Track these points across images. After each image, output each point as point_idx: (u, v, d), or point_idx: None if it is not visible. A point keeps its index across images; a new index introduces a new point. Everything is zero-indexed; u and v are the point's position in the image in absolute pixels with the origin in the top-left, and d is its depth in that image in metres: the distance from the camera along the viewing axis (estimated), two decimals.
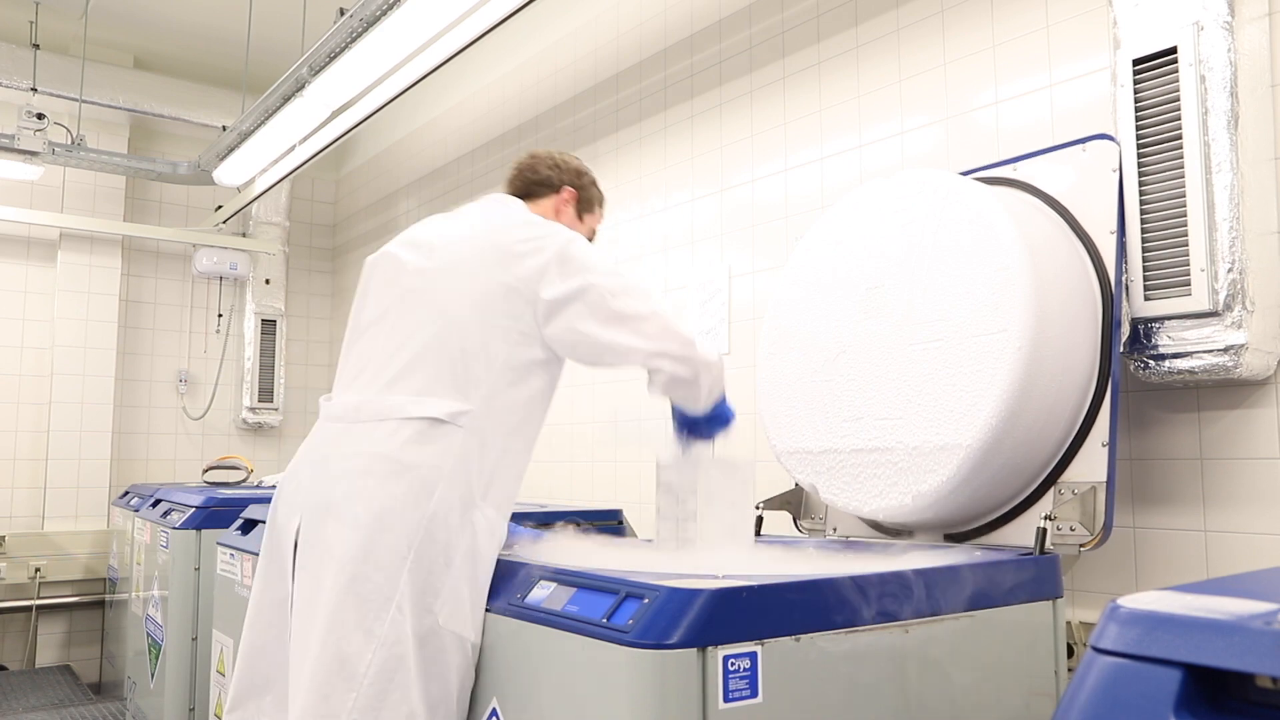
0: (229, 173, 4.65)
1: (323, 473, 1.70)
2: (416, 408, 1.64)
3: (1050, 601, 1.72)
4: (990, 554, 1.77)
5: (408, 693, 1.54)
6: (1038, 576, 1.71)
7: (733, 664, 1.28)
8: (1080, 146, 1.98)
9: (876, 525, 2.14)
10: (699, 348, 1.82)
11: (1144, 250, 1.88)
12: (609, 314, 1.71)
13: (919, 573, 1.53)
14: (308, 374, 6.08)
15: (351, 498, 1.62)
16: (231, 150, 4.42)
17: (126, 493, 4.59)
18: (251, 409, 5.73)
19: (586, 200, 2.11)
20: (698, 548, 1.87)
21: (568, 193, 2.06)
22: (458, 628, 1.57)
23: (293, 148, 4.19)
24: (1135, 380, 1.96)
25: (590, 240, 2.13)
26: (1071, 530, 1.83)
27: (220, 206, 5.44)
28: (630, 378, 3.46)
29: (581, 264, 1.73)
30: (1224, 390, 1.92)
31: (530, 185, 2.06)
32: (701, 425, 1.94)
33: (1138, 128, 1.89)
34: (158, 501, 3.70)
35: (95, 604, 5.16)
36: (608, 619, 1.33)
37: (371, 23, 3.04)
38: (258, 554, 2.40)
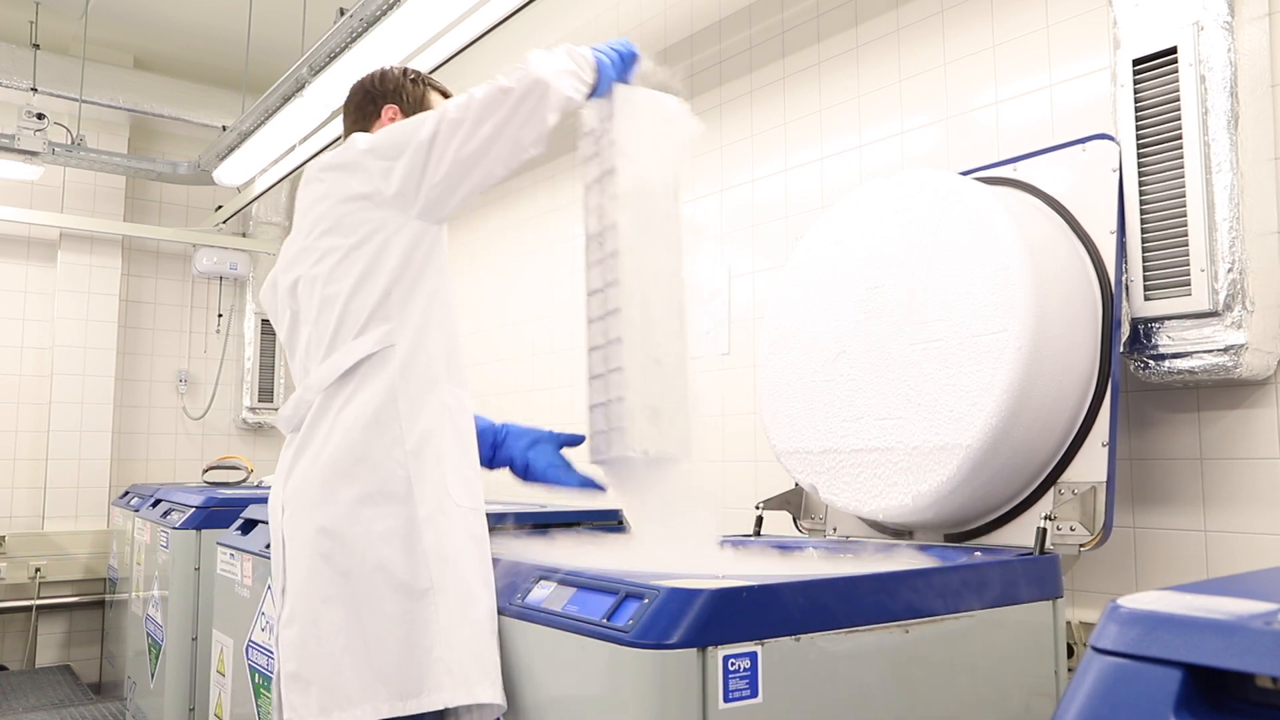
0: (229, 173, 4.65)
1: (297, 461, 1.70)
2: (349, 357, 1.65)
3: (1050, 601, 1.72)
4: (990, 554, 1.77)
5: (471, 583, 1.59)
6: (1038, 576, 1.71)
7: (733, 664, 1.28)
8: (1080, 146, 1.98)
9: (876, 525, 2.14)
10: (517, 78, 1.65)
11: (1144, 250, 1.88)
12: (452, 149, 1.62)
13: (919, 573, 1.53)
14: None
15: (334, 458, 1.62)
16: (231, 150, 4.42)
17: (126, 493, 4.59)
18: (251, 409, 5.73)
19: (414, 104, 1.94)
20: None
21: (389, 111, 1.92)
22: (472, 502, 1.65)
23: (293, 148, 4.19)
24: (1135, 380, 1.96)
25: None
26: (1071, 530, 1.83)
27: (220, 206, 5.45)
28: None
29: (391, 142, 1.66)
30: (1224, 390, 1.92)
31: (354, 125, 1.95)
32: (609, 84, 1.83)
33: (1138, 128, 1.89)
34: (158, 501, 3.70)
35: (95, 604, 5.16)
36: (608, 619, 1.33)
37: (371, 23, 3.04)
38: (258, 554, 2.40)
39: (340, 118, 3.33)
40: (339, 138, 1.97)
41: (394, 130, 1.68)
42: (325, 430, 1.65)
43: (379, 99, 1.93)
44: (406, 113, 1.91)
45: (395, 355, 1.65)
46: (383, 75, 1.96)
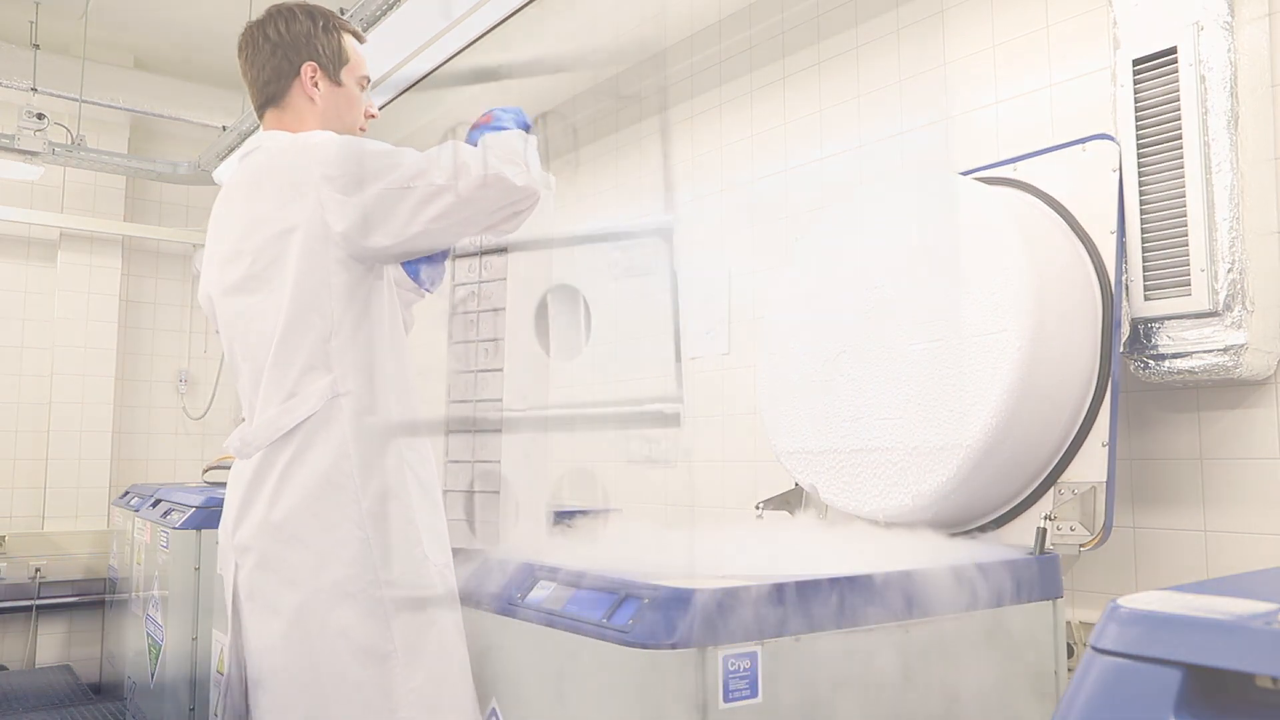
0: (229, 173, 4.65)
1: (246, 512, 1.62)
2: (291, 415, 1.55)
3: (1050, 601, 1.72)
4: (990, 554, 1.77)
5: (451, 640, 1.56)
6: (1038, 576, 1.71)
7: (733, 664, 1.28)
8: (1080, 146, 1.98)
9: (876, 525, 2.14)
10: (519, 174, 1.55)
11: (1144, 250, 1.88)
12: (426, 216, 1.51)
13: (919, 573, 1.53)
14: None
15: (285, 521, 1.55)
16: (231, 150, 4.42)
17: (126, 493, 4.58)
18: None
19: (330, 57, 1.70)
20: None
21: (309, 69, 1.68)
22: (439, 557, 1.60)
23: None
24: (1135, 380, 1.96)
25: (364, 87, 1.79)
26: (1071, 530, 1.83)
27: None
28: (633, 378, 3.45)
29: (354, 175, 1.51)
30: (1224, 390, 1.92)
31: (269, 92, 1.70)
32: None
33: (1138, 128, 1.89)
34: (158, 501, 3.70)
35: (95, 604, 5.15)
36: (608, 619, 1.33)
37: (371, 23, 3.04)
38: None
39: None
40: (261, 106, 1.74)
41: (358, 155, 1.53)
42: (272, 487, 1.56)
43: (293, 54, 1.68)
44: (326, 70, 1.70)
45: (344, 410, 1.54)
46: (289, 19, 1.69)
